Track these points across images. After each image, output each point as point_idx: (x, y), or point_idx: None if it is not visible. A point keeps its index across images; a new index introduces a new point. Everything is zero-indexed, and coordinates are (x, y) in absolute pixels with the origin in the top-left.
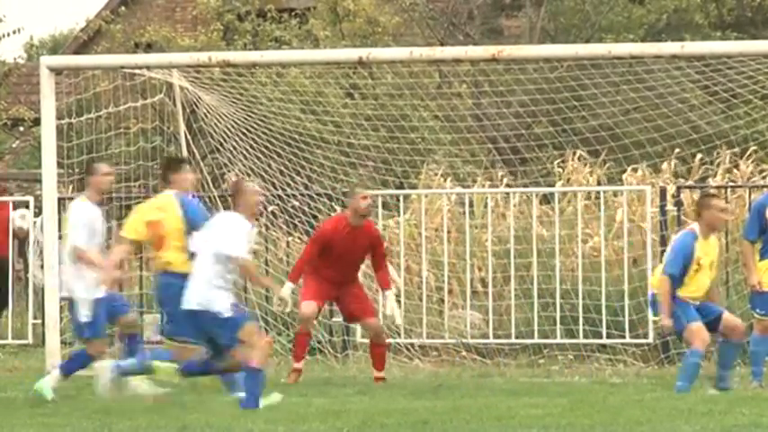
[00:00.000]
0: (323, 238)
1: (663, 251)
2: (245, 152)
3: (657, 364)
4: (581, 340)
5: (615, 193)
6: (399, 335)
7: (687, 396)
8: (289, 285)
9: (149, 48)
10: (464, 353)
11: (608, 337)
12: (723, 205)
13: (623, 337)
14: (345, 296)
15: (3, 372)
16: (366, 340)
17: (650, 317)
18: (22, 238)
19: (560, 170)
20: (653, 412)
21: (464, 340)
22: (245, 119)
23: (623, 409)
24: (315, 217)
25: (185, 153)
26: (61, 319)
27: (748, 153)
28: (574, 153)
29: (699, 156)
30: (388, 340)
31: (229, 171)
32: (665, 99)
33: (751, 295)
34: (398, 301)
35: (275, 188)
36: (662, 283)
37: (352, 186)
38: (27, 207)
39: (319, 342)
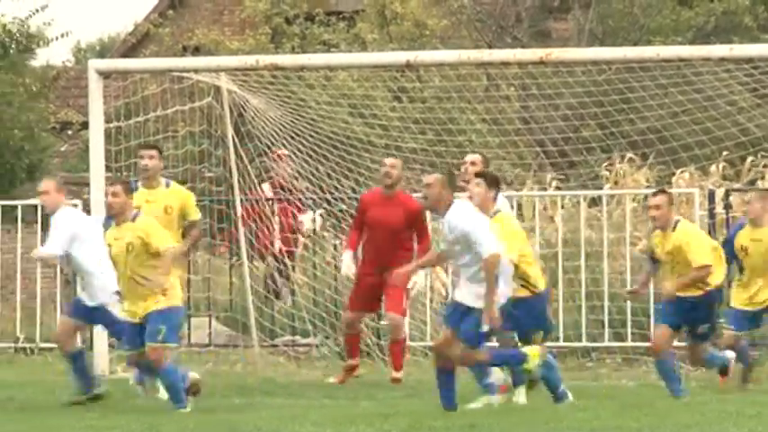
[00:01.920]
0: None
1: None
2: (292, 155)
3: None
4: (629, 343)
5: None
6: None
7: (735, 399)
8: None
9: (197, 51)
10: None
11: None
12: None
13: None
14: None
15: (52, 375)
16: (413, 343)
17: None
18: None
19: (608, 173)
20: (701, 415)
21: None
22: (293, 122)
23: (671, 412)
24: None
25: (233, 156)
26: None
27: None
28: (622, 156)
29: (748, 158)
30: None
31: (277, 174)
32: (714, 102)
33: None
34: (444, 304)
35: (322, 191)
36: None
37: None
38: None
39: (367, 345)
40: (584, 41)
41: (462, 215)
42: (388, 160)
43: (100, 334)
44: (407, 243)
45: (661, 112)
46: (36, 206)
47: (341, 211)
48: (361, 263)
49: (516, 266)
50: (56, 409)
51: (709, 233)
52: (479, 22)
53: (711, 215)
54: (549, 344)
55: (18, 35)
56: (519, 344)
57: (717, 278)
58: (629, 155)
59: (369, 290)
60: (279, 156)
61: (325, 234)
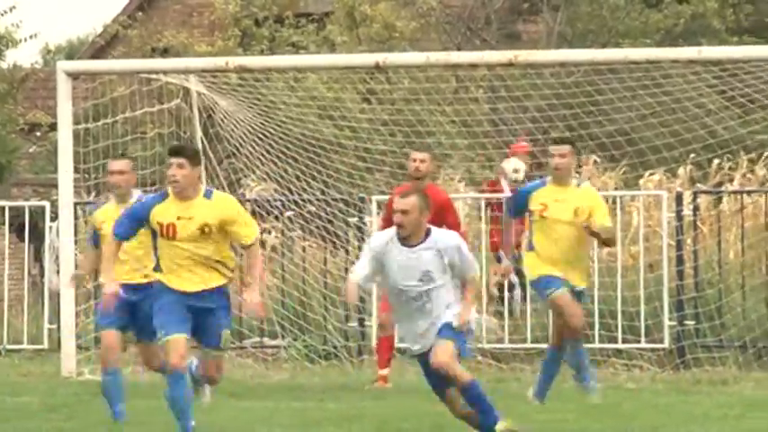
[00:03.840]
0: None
1: (679, 256)
2: (261, 157)
3: (673, 368)
4: (596, 345)
5: (632, 198)
6: None
7: (702, 401)
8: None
9: (166, 53)
10: (480, 358)
11: (623, 341)
12: None
13: (639, 341)
14: None
15: (18, 377)
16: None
17: (666, 321)
18: None
19: (577, 175)
20: (668, 417)
21: (480, 345)
22: (262, 124)
23: (638, 413)
24: (330, 222)
25: (202, 158)
26: (77, 324)
27: (764, 158)
28: (589, 158)
29: (716, 161)
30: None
31: (246, 176)
32: (682, 104)
33: None
34: None
35: (291, 193)
36: None
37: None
38: (43, 212)
39: (335, 347)
40: (552, 44)
41: None
42: (418, 154)
43: (67, 335)
44: None
45: (629, 114)
46: (4, 208)
47: (309, 212)
48: None
49: None
50: (23, 411)
51: (677, 235)
52: (448, 24)
53: (679, 217)
54: (517, 345)
55: None
56: None
57: None
58: (594, 157)
59: None
60: (516, 149)
61: (293, 235)
